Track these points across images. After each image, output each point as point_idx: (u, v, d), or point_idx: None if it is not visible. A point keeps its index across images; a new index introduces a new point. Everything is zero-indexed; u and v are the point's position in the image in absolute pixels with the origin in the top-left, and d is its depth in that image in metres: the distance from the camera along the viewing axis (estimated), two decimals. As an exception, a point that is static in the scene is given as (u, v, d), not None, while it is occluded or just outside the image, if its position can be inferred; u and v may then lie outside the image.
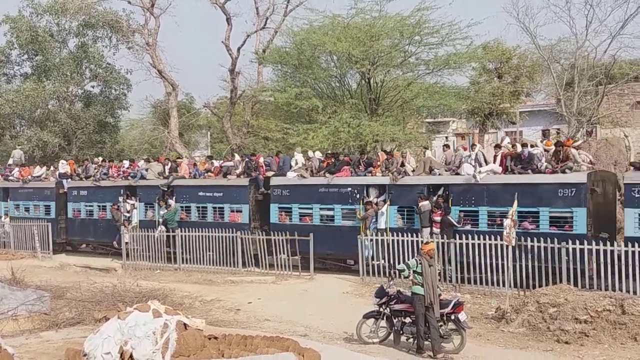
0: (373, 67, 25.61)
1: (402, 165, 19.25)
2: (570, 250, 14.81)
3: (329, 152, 22.46)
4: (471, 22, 25.82)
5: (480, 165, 17.58)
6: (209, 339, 8.93)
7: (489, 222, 16.89)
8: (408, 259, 13.90)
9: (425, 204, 17.75)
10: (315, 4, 52.88)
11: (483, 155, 18.10)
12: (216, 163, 23.78)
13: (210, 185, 22.36)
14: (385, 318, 11.59)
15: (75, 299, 14.56)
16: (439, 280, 12.53)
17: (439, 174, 18.46)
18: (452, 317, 10.99)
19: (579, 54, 26.50)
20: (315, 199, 20.12)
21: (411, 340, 11.24)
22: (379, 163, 19.83)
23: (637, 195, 15.15)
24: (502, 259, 15.17)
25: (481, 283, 16.22)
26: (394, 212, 18.70)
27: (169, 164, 24.07)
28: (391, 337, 11.54)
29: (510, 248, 14.31)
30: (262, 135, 36.72)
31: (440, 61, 26.01)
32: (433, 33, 25.61)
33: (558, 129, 30.49)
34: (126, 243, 22.23)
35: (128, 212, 23.65)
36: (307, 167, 21.07)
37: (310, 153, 21.82)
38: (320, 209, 20.06)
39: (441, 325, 10.99)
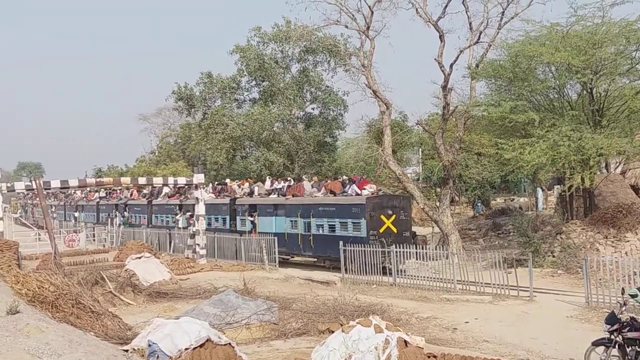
0: (596, 77, 24.06)
1: None
2: None
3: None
4: None
5: None
6: (429, 357, 9.07)
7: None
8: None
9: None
10: (532, 14, 50.47)
11: None
12: None
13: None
14: (617, 346, 10.80)
15: (301, 310, 15.58)
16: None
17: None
18: (698, 349, 9.98)
19: None
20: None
21: (647, 371, 10.38)
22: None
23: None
24: None
25: None
26: None
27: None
28: (624, 367, 10.74)
29: None
30: (475, 151, 36.16)
31: (675, 66, 23.68)
32: (665, 37, 23.42)
33: None
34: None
35: None
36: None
37: None
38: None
39: (684, 358, 10.03)
